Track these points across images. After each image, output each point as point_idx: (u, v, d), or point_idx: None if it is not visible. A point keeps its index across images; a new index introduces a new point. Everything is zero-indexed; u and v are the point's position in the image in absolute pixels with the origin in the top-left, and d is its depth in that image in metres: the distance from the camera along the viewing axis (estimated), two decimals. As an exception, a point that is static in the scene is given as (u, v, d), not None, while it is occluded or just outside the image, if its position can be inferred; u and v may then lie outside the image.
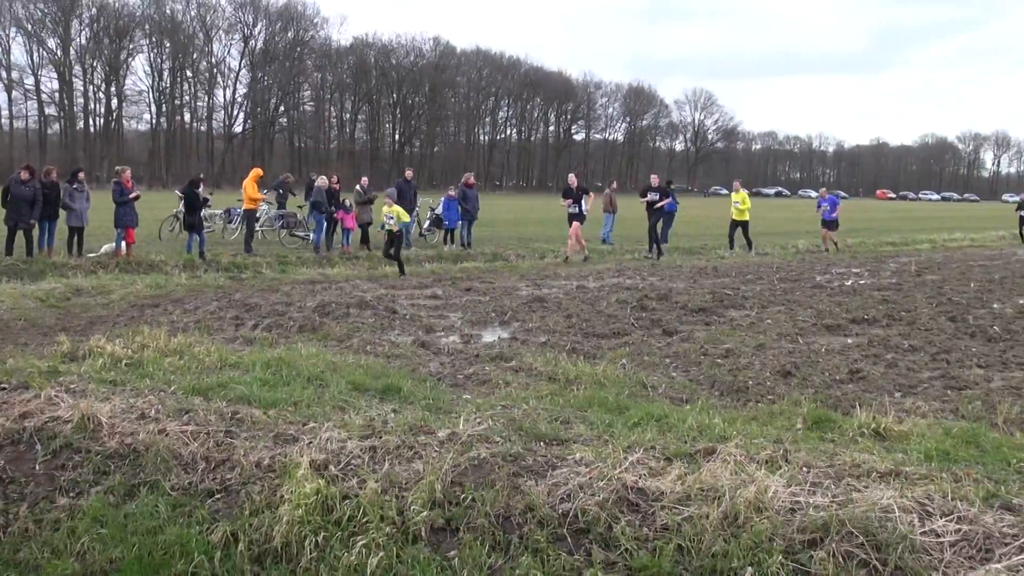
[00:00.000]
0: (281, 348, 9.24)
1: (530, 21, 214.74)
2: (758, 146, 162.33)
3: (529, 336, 10.86)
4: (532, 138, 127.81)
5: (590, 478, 5.20)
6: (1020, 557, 4.14)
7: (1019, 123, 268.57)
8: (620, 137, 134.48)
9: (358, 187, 24.53)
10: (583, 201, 23.33)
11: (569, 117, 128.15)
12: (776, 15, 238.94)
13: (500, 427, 6.22)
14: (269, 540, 5.25)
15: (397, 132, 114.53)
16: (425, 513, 5.05)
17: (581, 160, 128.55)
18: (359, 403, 7.03)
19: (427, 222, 27.06)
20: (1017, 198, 32.65)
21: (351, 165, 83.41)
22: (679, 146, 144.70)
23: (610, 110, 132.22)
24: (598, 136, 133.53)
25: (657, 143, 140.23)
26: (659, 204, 24.92)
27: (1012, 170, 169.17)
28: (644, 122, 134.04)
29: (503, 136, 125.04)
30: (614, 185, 29.57)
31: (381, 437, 5.96)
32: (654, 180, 26.59)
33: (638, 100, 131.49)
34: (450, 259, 20.60)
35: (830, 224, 27.60)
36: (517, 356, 9.44)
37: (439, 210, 27.12)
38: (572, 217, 22.80)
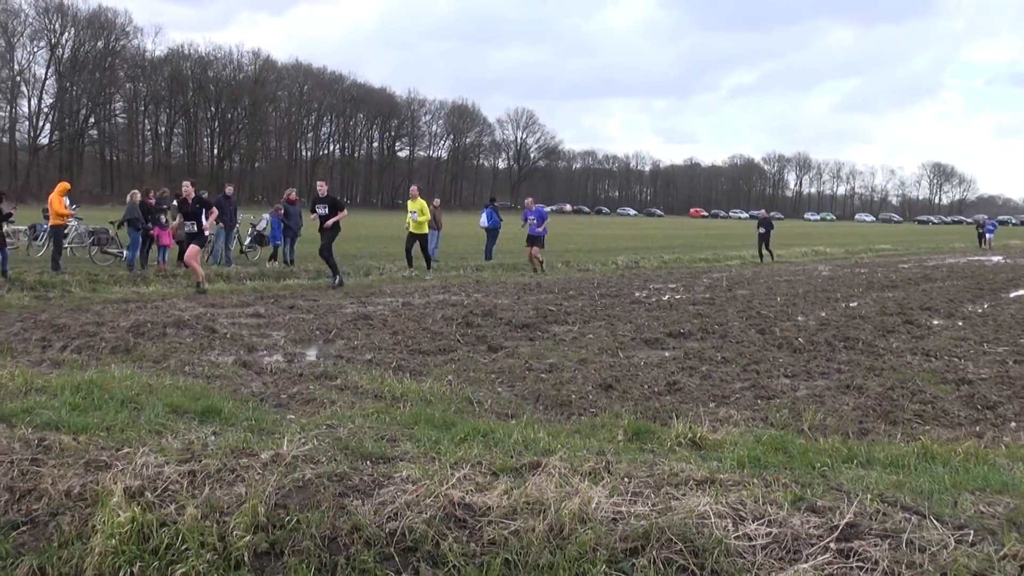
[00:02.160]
0: (92, 370, 8.82)
1: (353, 38, 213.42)
2: (579, 165, 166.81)
3: (355, 354, 10.75)
4: (356, 154, 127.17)
5: (417, 496, 5.19)
6: (825, 556, 4.39)
7: (817, 146, 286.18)
8: (444, 154, 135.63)
9: (175, 202, 23.72)
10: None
11: (393, 134, 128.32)
12: (593, 40, 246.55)
13: (325, 447, 6.13)
14: (80, 573, 4.99)
15: (216, 146, 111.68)
16: (248, 537, 4.92)
17: (406, 177, 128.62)
18: (177, 426, 6.78)
19: (248, 239, 26.45)
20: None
21: (168, 179, 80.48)
22: (502, 164, 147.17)
23: (434, 127, 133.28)
24: (422, 153, 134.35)
25: (481, 161, 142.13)
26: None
27: (813, 190, 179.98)
28: (468, 140, 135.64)
29: (326, 152, 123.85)
30: (437, 202, 29.66)
31: (201, 461, 5.76)
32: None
33: (462, 118, 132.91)
34: (273, 276, 20.18)
35: (536, 239, 25.08)
36: (342, 374, 9.34)
37: (260, 226, 26.56)
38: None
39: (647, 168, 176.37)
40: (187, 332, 11.68)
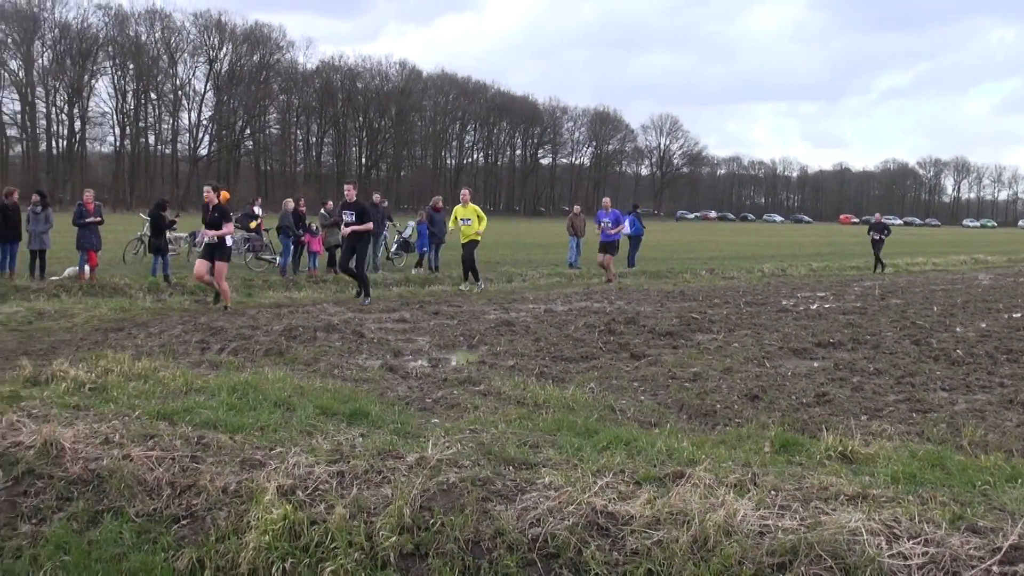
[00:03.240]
0: (247, 372, 9.17)
1: (497, 47, 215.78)
2: (723, 171, 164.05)
3: (497, 360, 10.84)
4: (499, 162, 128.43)
5: (559, 502, 5.19)
6: (986, 579, 4.18)
7: (976, 149, 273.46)
8: (586, 161, 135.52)
9: (323, 210, 24.48)
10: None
11: (536, 141, 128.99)
12: (738, 43, 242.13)
13: (469, 451, 6.20)
14: (235, 567, 5.18)
15: (363, 155, 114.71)
16: (394, 538, 5.01)
17: (548, 184, 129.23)
18: (327, 427, 6.98)
19: (394, 246, 27.03)
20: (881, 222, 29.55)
21: (317, 188, 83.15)
22: (645, 170, 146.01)
23: (576, 135, 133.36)
24: (564, 160, 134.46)
25: (623, 167, 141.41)
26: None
27: (972, 195, 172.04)
28: (610, 147, 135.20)
29: (470, 160, 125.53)
30: (578, 209, 29.67)
31: (349, 462, 5.91)
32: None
33: (604, 125, 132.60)
34: (418, 283, 20.54)
35: (609, 246, 22.84)
36: (485, 380, 9.42)
37: (406, 234, 27.11)
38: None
39: (794, 174, 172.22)
40: (336, 336, 12.00)
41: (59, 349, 10.66)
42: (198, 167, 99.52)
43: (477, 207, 19.92)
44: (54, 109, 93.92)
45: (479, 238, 19.89)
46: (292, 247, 22.63)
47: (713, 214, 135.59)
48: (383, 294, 17.91)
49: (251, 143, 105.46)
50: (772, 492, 5.34)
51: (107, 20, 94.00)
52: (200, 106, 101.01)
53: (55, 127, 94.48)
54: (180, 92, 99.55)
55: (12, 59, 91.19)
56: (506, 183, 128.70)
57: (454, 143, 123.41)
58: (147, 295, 16.75)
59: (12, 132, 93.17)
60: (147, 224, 22.61)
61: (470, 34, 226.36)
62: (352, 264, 16.31)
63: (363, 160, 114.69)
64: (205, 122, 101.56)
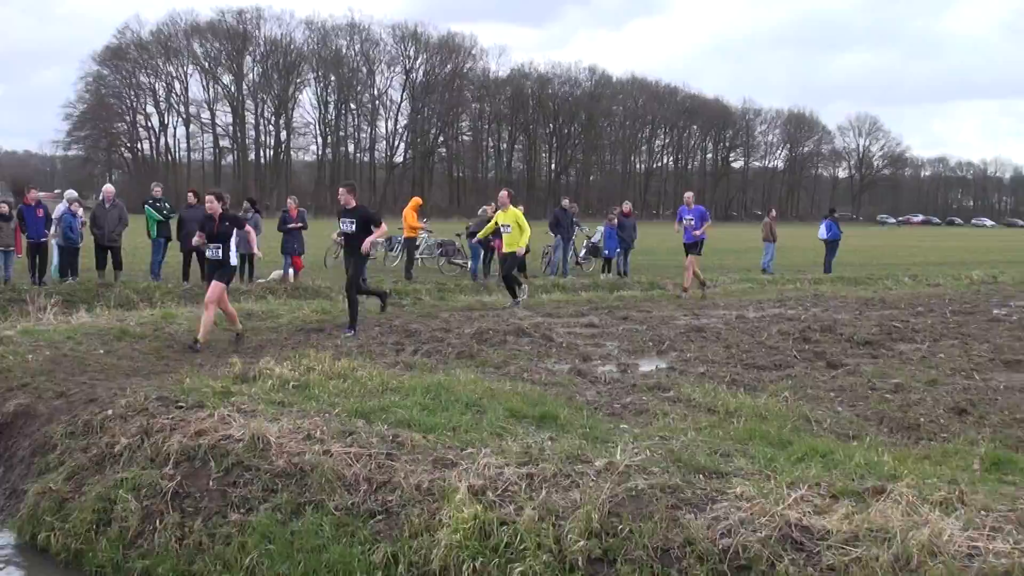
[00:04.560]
0: (440, 374, 9.38)
1: (688, 49, 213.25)
2: (927, 173, 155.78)
3: (687, 366, 10.69)
4: (689, 166, 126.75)
5: (751, 513, 5.06)
6: None
7: None
8: (780, 164, 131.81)
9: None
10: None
11: (727, 144, 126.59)
12: (944, 39, 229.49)
13: (658, 458, 6.13)
14: (428, 563, 5.32)
15: (553, 161, 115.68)
16: (582, 543, 5.02)
17: (740, 188, 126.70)
18: (516, 430, 7.06)
19: (583, 250, 27.11)
20: None
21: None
22: (843, 173, 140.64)
23: (770, 137, 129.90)
24: (757, 164, 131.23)
25: (819, 170, 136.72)
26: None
27: None
28: (805, 149, 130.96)
29: (659, 164, 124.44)
30: (773, 213, 28.90)
31: (538, 465, 5.96)
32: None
33: (799, 127, 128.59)
34: (606, 287, 20.53)
35: (693, 246, 19.51)
36: (675, 386, 9.31)
37: (595, 238, 27.15)
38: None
39: (1007, 175, 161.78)
40: (526, 340, 12.14)
41: (266, 348, 11.24)
42: (394, 174, 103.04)
43: (519, 213, 16.62)
44: (262, 120, 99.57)
45: (518, 252, 16.51)
46: (483, 252, 23.05)
47: (917, 218, 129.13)
48: (572, 299, 17.98)
49: (444, 150, 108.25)
50: (982, 512, 5.03)
51: (310, 35, 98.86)
52: (396, 115, 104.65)
53: (263, 137, 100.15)
54: (377, 102, 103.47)
55: (225, 74, 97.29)
56: (696, 187, 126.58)
57: (643, 147, 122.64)
58: (345, 298, 17.42)
59: (225, 143, 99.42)
60: (347, 229, 23.50)
61: (660, 37, 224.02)
62: (349, 285, 13.21)
63: (552, 165, 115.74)
64: (401, 130, 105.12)
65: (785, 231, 31.24)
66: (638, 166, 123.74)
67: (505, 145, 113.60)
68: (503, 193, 16.86)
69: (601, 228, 26.64)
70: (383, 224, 13.24)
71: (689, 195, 20.30)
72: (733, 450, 6.59)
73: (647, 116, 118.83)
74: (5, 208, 18.07)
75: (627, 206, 25.80)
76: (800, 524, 4.92)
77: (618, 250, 24.80)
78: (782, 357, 11.32)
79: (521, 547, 5.13)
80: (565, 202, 25.91)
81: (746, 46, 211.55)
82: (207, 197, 12.22)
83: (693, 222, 19.17)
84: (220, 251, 11.86)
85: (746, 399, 8.62)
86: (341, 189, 13.18)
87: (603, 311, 15.73)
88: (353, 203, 12.95)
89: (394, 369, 9.74)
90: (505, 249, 16.56)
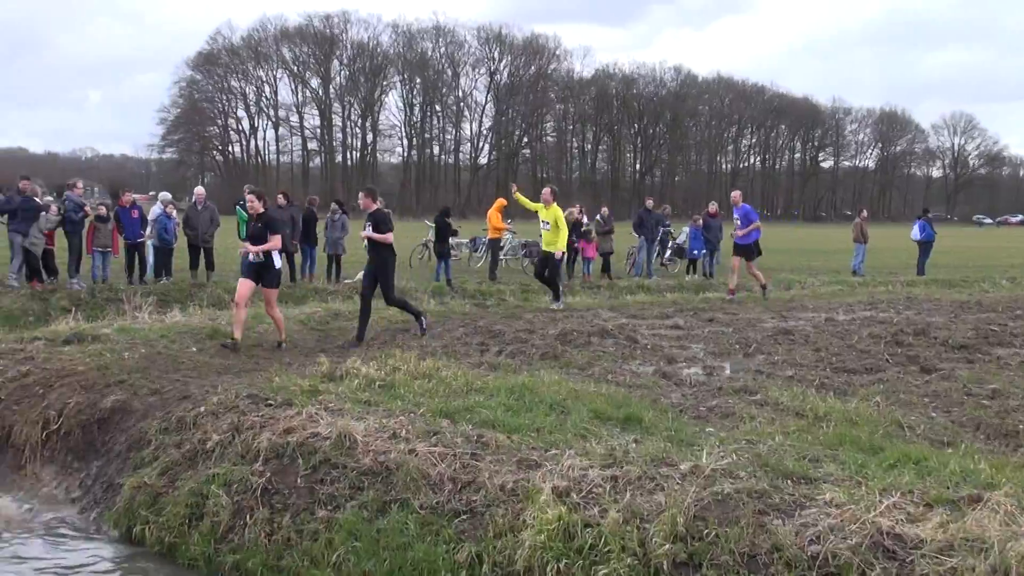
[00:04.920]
0: (524, 375, 9.39)
1: (775, 48, 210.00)
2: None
3: (775, 370, 10.51)
4: (777, 166, 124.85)
5: (841, 520, 4.96)
6: None
7: None
8: (871, 164, 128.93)
9: (598, 217, 24.80)
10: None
11: (816, 144, 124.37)
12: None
13: (745, 462, 6.05)
14: (512, 563, 5.33)
15: (637, 161, 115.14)
16: (667, 546, 4.98)
17: (829, 188, 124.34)
18: (600, 432, 7.03)
19: (668, 251, 26.92)
20: None
21: (592, 195, 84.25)
22: (936, 172, 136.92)
23: (860, 136, 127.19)
24: (847, 163, 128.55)
25: (911, 170, 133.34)
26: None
27: None
28: (897, 148, 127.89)
29: (746, 164, 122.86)
30: (864, 214, 28.28)
31: (622, 467, 5.93)
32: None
33: (891, 125, 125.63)
34: (692, 289, 20.32)
35: (743, 250, 18.11)
36: (762, 390, 9.16)
37: (680, 239, 26.93)
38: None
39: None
40: (610, 341, 12.07)
41: (352, 348, 11.38)
42: (478, 175, 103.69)
43: (560, 212, 15.93)
44: (349, 123, 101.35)
45: (556, 252, 15.95)
46: (566, 253, 23.03)
47: (1016, 218, 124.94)
48: (656, 299, 17.83)
49: (528, 151, 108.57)
50: (1086, 524, 4.84)
51: (396, 38, 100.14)
52: (481, 116, 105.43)
53: (350, 140, 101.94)
54: (462, 103, 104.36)
55: (313, 77, 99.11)
56: (784, 187, 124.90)
57: (730, 147, 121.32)
58: (431, 298, 17.58)
59: (312, 145, 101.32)
60: (432, 230, 23.77)
61: (747, 36, 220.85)
62: (387, 295, 12.38)
63: (637, 166, 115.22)
64: (485, 132, 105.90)
65: (876, 232, 30.52)
66: (724, 166, 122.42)
67: (589, 146, 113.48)
68: (546, 190, 16.25)
69: (686, 229, 26.42)
70: (389, 235, 12.08)
71: (736, 194, 18.94)
72: (822, 455, 6.47)
73: (733, 115, 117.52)
74: (103, 210, 18.67)
75: (713, 207, 25.49)
76: (892, 532, 4.81)
77: (704, 251, 24.55)
78: (873, 361, 11.06)
79: (605, 549, 5.11)
80: (649, 203, 25.77)
81: (835, 44, 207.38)
82: (247, 196, 11.59)
83: (739, 222, 18.10)
84: (261, 253, 11.26)
85: (836, 403, 8.45)
86: (360, 193, 12.72)
87: (688, 313, 15.57)
88: (373, 207, 12.30)
89: (478, 370, 9.78)
90: (544, 247, 16.16)
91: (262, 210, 11.43)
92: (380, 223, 12.11)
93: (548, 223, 15.78)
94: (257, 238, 11.30)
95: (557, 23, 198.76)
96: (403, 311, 12.82)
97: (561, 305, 15.84)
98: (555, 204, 15.87)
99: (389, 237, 12.09)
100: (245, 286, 11.33)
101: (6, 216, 17.12)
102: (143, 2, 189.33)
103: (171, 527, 6.73)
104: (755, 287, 19.10)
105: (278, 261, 11.56)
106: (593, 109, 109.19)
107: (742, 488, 5.43)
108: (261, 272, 11.32)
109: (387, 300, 12.38)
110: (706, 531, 5.04)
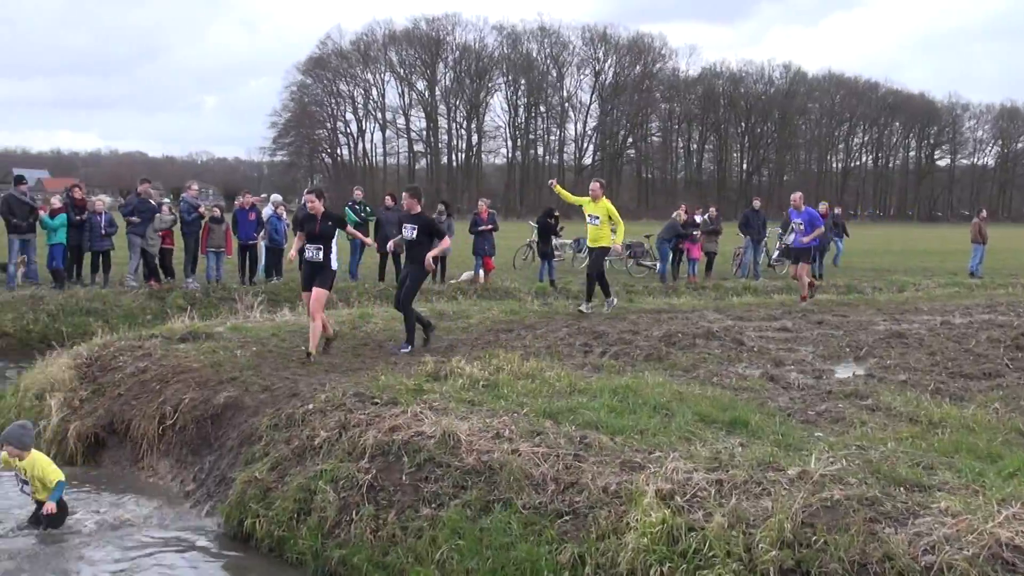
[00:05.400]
0: (628, 376, 9.33)
1: (889, 43, 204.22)
2: None
3: (887, 374, 10.22)
4: (890, 164, 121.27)
5: (957, 530, 4.79)
6: None
7: None
8: (990, 161, 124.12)
9: (705, 216, 24.50)
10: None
11: (932, 141, 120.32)
12: None
13: (855, 468, 5.89)
14: (615, 566, 5.30)
15: (745, 161, 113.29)
16: (774, 552, 4.88)
17: (946, 187, 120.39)
18: (705, 435, 6.95)
19: (776, 252, 26.42)
20: None
21: (698, 195, 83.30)
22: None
23: (979, 133, 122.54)
24: (964, 161, 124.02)
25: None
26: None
27: None
28: (1019, 145, 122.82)
29: (857, 163, 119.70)
30: (983, 214, 27.29)
31: (728, 471, 5.84)
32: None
33: (1012, 121, 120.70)
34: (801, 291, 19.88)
35: (802, 253, 17.37)
36: (874, 394, 8.92)
37: (788, 240, 26.40)
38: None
39: None
40: (715, 343, 11.91)
41: (456, 347, 11.46)
42: (582, 176, 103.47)
43: (611, 205, 14.88)
44: (454, 125, 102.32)
45: (610, 244, 15.12)
46: (671, 254, 22.84)
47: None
48: (764, 301, 17.52)
49: (633, 152, 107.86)
50: None
51: (501, 40, 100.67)
52: (585, 117, 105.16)
53: (455, 141, 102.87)
54: (567, 104, 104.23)
55: (419, 80, 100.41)
56: (898, 187, 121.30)
57: (840, 145, 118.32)
58: (535, 299, 17.63)
59: (418, 147, 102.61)
60: (535, 231, 23.83)
61: (859, 32, 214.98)
62: (405, 299, 11.53)
63: (744, 165, 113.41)
64: (589, 132, 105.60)
65: (996, 232, 29.45)
66: (834, 165, 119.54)
67: (695, 145, 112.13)
68: (595, 183, 15.03)
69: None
70: (447, 238, 11.76)
71: (797, 196, 17.78)
72: (937, 463, 6.26)
73: (844, 113, 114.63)
74: (217, 211, 19.26)
75: (823, 207, 24.91)
76: (1012, 544, 4.63)
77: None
78: (992, 366, 10.66)
79: (710, 554, 5.04)
80: (756, 203, 25.36)
81: (952, 38, 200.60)
82: (307, 196, 11.15)
83: (802, 227, 17.03)
84: (321, 252, 10.75)
85: (952, 409, 8.17)
86: (404, 194, 11.94)
87: (797, 315, 15.25)
88: (417, 208, 11.60)
89: (582, 371, 9.76)
90: (589, 243, 15.16)
91: (323, 210, 10.91)
92: (434, 231, 11.50)
93: (597, 217, 14.69)
94: (320, 237, 10.78)
95: (664, 22, 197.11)
96: (405, 322, 11.62)
97: (614, 302, 15.09)
98: (605, 198, 14.87)
99: (446, 243, 11.70)
100: (312, 298, 10.79)
101: (133, 218, 17.85)
102: (257, 9, 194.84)
103: (280, 521, 6.89)
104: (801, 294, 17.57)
105: (335, 263, 11.20)
106: (699, 108, 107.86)
107: (852, 495, 5.30)
108: (315, 272, 10.80)
109: (402, 305, 11.50)
110: (814, 538, 4.93)
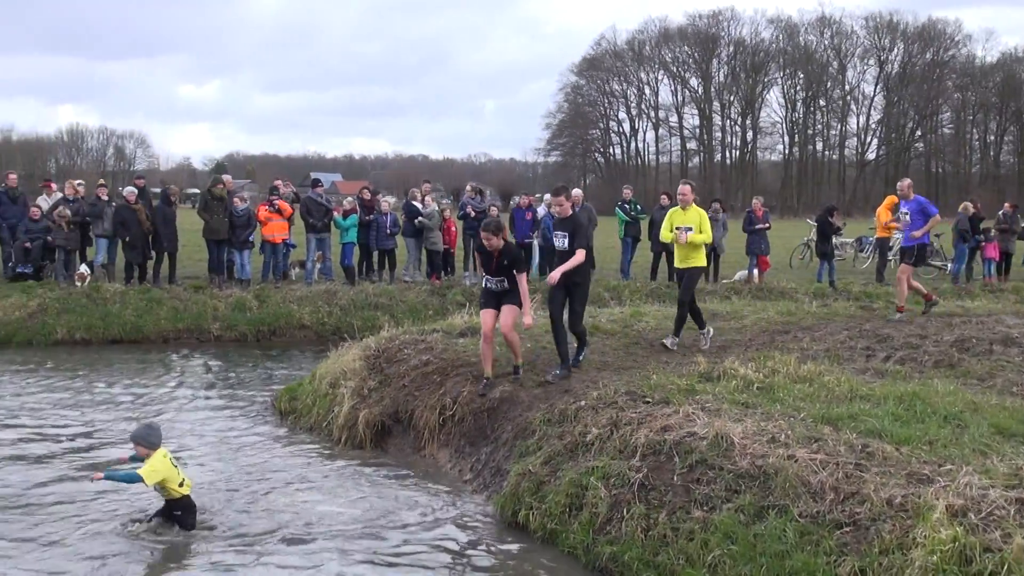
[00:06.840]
0: (914, 383, 8.80)
1: None
2: None
3: None
4: None
5: None
6: None
7: None
8: None
9: (1000, 214, 22.74)
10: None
11: None
12: None
13: None
14: (899, 583, 5.01)
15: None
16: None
17: None
18: (1003, 448, 6.43)
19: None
20: None
21: (995, 190, 77.34)
22: None
23: None
24: None
25: None
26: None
27: None
28: None
29: None
30: None
31: (1030, 489, 5.38)
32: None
33: None
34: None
35: (907, 252, 14.02)
36: None
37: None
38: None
39: None
40: (1015, 351, 10.97)
41: (729, 348, 11.24)
42: (865, 171, 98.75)
43: (704, 214, 11.36)
44: (728, 121, 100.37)
45: (704, 263, 11.88)
46: (967, 252, 21.32)
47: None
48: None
49: (921, 145, 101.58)
50: None
51: (778, 32, 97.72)
52: (868, 109, 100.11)
53: (728, 138, 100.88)
54: (848, 97, 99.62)
55: (692, 77, 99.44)
56: None
57: None
58: (813, 300, 17.02)
59: (691, 145, 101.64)
60: (814, 230, 23.00)
61: None
62: (574, 322, 10.07)
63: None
64: (873, 125, 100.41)
65: None
66: None
67: (992, 137, 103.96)
68: (685, 187, 11.38)
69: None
70: (580, 252, 9.67)
71: (905, 183, 14.50)
72: None
73: None
74: (494, 211, 19.93)
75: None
76: None
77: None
78: None
79: (1008, 578, 4.66)
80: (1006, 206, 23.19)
81: None
82: (483, 233, 9.27)
83: (910, 219, 13.84)
84: (505, 283, 9.32)
85: None
86: (555, 193, 10.17)
87: (1112, 321, 13.79)
88: (569, 211, 9.88)
89: (863, 376, 9.32)
90: (678, 263, 11.55)
91: (501, 247, 9.26)
92: (583, 234, 9.79)
93: (690, 228, 11.09)
94: (498, 271, 9.32)
95: (956, 7, 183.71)
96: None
97: (708, 336, 11.52)
98: (694, 204, 11.40)
99: (581, 256, 9.64)
100: (489, 316, 9.39)
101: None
102: (536, 14, 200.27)
103: (552, 514, 7.02)
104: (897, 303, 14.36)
105: (525, 288, 9.33)
106: (998, 97, 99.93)
107: None
108: (502, 298, 9.37)
109: (574, 324, 10.03)
110: None
